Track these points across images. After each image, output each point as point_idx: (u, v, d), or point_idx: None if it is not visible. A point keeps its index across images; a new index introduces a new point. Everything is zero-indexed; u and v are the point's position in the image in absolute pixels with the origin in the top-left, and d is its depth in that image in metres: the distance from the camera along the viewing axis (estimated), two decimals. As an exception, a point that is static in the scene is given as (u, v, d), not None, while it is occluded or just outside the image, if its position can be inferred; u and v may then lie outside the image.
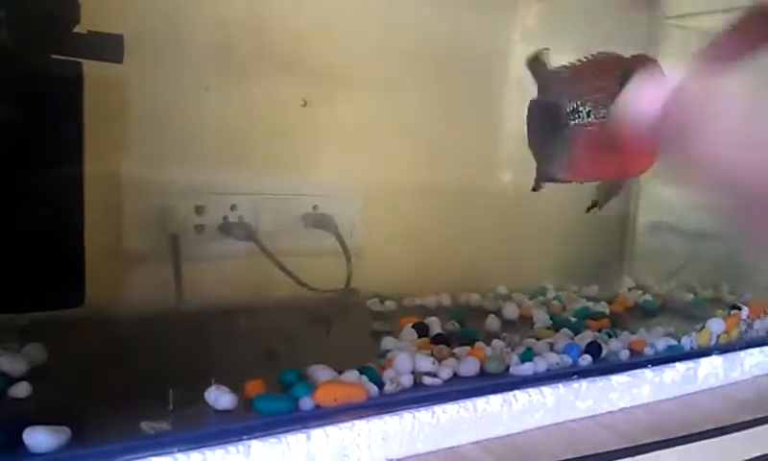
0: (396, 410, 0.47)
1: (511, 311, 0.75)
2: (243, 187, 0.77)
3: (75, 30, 0.46)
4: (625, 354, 0.64)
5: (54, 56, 0.45)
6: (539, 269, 0.95)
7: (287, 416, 0.44)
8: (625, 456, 0.51)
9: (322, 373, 0.49)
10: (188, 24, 0.70)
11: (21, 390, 0.44)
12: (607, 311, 0.80)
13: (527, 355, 0.58)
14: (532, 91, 0.59)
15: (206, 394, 0.44)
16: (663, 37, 1.01)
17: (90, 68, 0.51)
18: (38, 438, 0.36)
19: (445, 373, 0.53)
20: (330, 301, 0.77)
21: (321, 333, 0.70)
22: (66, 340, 0.55)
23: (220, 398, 0.44)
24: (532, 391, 0.53)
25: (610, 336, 0.66)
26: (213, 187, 0.75)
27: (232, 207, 0.76)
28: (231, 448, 0.40)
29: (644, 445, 0.52)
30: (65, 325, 0.58)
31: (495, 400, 0.51)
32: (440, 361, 0.55)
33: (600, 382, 0.57)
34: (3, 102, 0.42)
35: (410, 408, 0.47)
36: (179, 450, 0.39)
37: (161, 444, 0.39)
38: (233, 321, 0.65)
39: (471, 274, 0.84)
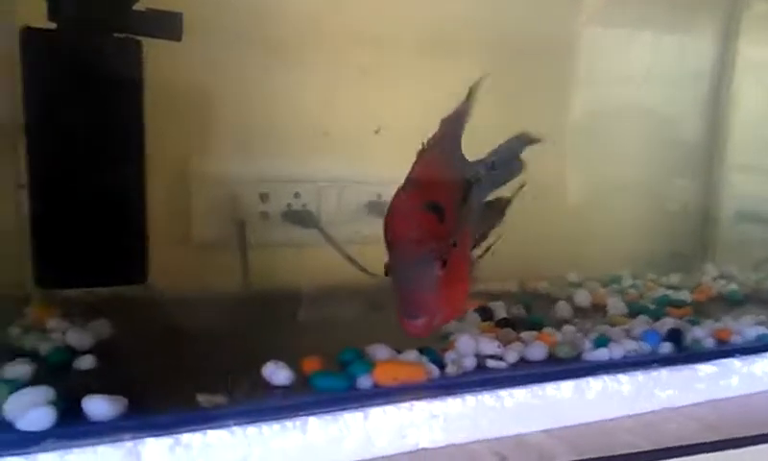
0: (458, 392, 0.45)
1: (583, 298, 0.71)
2: (307, 176, 0.77)
3: (134, 7, 0.47)
4: (710, 343, 0.59)
5: (114, 34, 0.45)
6: (612, 258, 0.90)
7: (344, 394, 0.43)
8: (713, 450, 0.46)
9: (381, 351, 0.47)
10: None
11: (85, 362, 0.44)
12: (689, 300, 0.74)
13: (601, 341, 0.54)
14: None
15: (264, 370, 0.43)
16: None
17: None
18: (96, 406, 0.37)
19: (511, 356, 0.51)
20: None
21: (382, 317, 0.68)
22: (133, 319, 0.56)
23: (276, 373, 0.43)
24: (607, 378, 0.49)
25: (693, 324, 0.61)
26: (278, 176, 0.76)
27: (296, 195, 0.76)
28: (288, 422, 0.39)
29: (736, 439, 0.47)
30: (135, 305, 0.59)
31: (567, 387, 0.48)
32: (505, 345, 0.52)
33: (684, 371, 0.52)
34: (64, 79, 0.43)
35: (473, 391, 0.45)
36: (235, 423, 0.38)
37: (217, 416, 0.38)
38: (296, 304, 0.65)
39: (539, 261, 0.80)
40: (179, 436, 0.36)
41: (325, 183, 0.78)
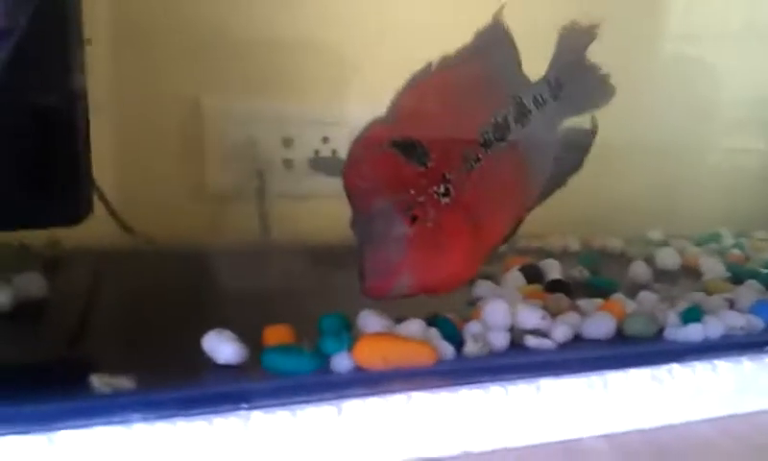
0: (480, 381, 0.32)
1: (668, 258, 0.55)
2: (336, 118, 0.66)
3: None
4: None
5: None
6: (708, 215, 0.73)
7: (310, 378, 0.30)
8: None
9: (372, 321, 0.34)
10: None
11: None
12: (816, 264, 0.57)
13: (693, 314, 0.40)
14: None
15: (204, 342, 0.32)
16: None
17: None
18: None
19: (562, 332, 0.37)
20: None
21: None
22: (86, 273, 0.47)
23: (220, 347, 0.31)
24: (699, 366, 0.36)
25: (825, 295, 0.45)
26: (303, 117, 0.66)
27: (324, 140, 0.66)
28: (218, 419, 0.27)
29: None
30: (104, 257, 0.51)
31: (639, 377, 0.35)
32: (554, 316, 0.38)
33: None
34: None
35: (502, 380, 0.32)
36: (143, 418, 0.26)
37: (114, 407, 0.27)
38: (313, 260, 0.57)
39: (612, 215, 0.65)
40: (52, 435, 0.25)
41: (359, 126, 0.67)
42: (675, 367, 0.36)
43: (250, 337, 0.32)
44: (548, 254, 0.56)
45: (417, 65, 0.61)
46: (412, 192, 0.35)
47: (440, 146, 0.36)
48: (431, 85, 0.38)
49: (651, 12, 0.75)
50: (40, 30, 0.38)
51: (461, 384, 0.31)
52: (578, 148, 0.43)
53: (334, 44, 0.63)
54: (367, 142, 0.36)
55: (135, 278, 0.48)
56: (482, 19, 0.43)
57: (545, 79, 0.43)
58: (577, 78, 0.44)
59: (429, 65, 0.38)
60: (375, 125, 0.36)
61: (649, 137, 0.73)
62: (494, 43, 0.41)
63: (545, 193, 0.42)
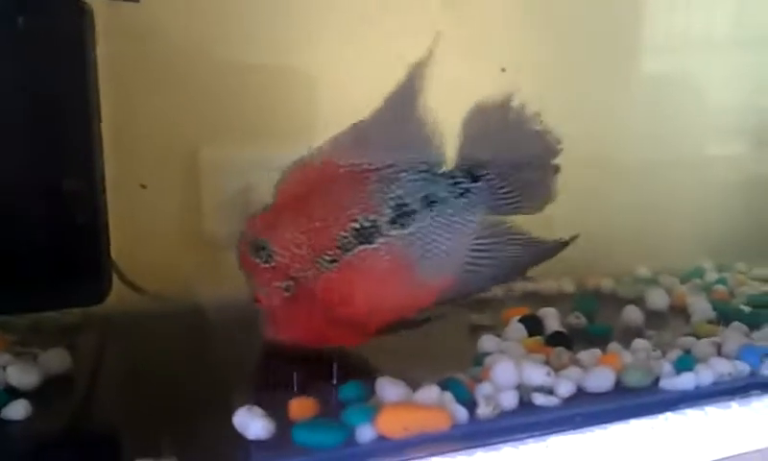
0: (494, 442, 0.34)
1: (658, 299, 0.58)
2: None
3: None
4: (832, 359, 0.45)
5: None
6: (690, 247, 0.76)
7: (337, 451, 0.32)
8: None
9: (389, 389, 0.36)
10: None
11: (16, 410, 0.35)
12: (795, 297, 0.60)
13: (685, 362, 0.43)
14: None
15: (235, 418, 0.33)
16: None
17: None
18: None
19: (566, 388, 0.39)
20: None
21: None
22: (109, 342, 0.48)
23: (251, 423, 0.33)
24: (692, 413, 0.39)
25: (804, 333, 0.48)
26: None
27: None
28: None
29: None
30: (124, 322, 0.51)
31: (639, 427, 0.37)
32: (557, 371, 0.40)
33: None
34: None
35: (513, 439, 0.34)
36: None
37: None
38: None
39: (602, 253, 0.67)
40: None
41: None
42: (670, 416, 0.38)
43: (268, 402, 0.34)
44: (544, 298, 0.59)
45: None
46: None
47: (291, 246, 0.40)
48: (308, 175, 0.41)
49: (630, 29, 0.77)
50: (61, 112, 0.39)
51: (476, 447, 0.34)
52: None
53: (329, 91, 0.64)
54: (242, 234, 0.41)
55: (150, 342, 0.49)
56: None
57: (450, 172, 0.42)
58: (501, 158, 0.43)
59: (319, 149, 0.40)
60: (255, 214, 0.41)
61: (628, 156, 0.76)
62: (402, 114, 0.41)
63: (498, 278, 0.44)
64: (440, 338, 0.47)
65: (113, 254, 0.54)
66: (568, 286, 0.62)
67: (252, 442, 0.33)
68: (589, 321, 0.52)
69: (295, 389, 0.37)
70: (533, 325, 0.49)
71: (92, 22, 0.41)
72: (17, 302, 0.38)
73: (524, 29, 0.71)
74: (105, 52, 0.54)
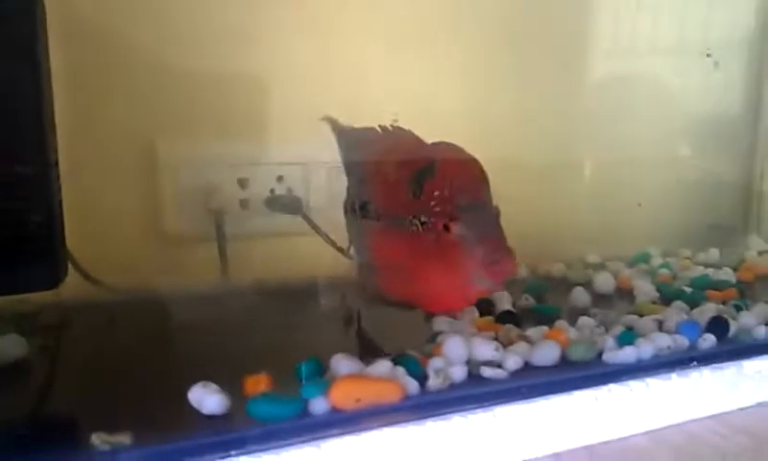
0: (443, 413, 0.35)
1: (604, 282, 0.60)
2: (290, 157, 0.68)
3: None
4: (762, 332, 0.48)
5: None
6: (639, 235, 0.79)
7: (291, 423, 0.33)
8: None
9: (343, 364, 0.37)
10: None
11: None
12: (733, 280, 0.63)
13: (628, 337, 0.45)
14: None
15: (190, 395, 0.34)
16: None
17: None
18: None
19: (513, 362, 0.41)
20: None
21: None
22: (66, 329, 0.48)
23: (206, 399, 0.34)
24: (634, 384, 0.41)
25: (739, 309, 0.51)
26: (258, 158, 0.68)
27: (279, 179, 0.68)
28: (210, 467, 0.30)
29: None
30: (80, 311, 0.52)
31: (583, 398, 0.39)
32: (506, 346, 0.42)
33: (729, 370, 0.43)
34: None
35: (462, 410, 0.36)
36: (139, 472, 0.29)
37: (113, 464, 0.29)
38: (276, 301, 0.58)
39: (554, 241, 0.70)
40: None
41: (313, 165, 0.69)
42: (613, 387, 0.40)
43: (224, 381, 0.35)
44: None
45: (367, 106, 0.64)
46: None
47: None
48: None
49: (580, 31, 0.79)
50: (11, 97, 0.39)
51: (426, 417, 0.35)
52: None
53: (286, 85, 0.65)
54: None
55: (107, 329, 0.50)
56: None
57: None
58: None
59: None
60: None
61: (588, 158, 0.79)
62: None
63: None
64: (393, 322, 0.49)
65: (71, 247, 0.55)
66: (522, 272, 0.64)
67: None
68: (539, 303, 0.54)
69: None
70: (485, 306, 0.50)
71: (43, 8, 0.41)
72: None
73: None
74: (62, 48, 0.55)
